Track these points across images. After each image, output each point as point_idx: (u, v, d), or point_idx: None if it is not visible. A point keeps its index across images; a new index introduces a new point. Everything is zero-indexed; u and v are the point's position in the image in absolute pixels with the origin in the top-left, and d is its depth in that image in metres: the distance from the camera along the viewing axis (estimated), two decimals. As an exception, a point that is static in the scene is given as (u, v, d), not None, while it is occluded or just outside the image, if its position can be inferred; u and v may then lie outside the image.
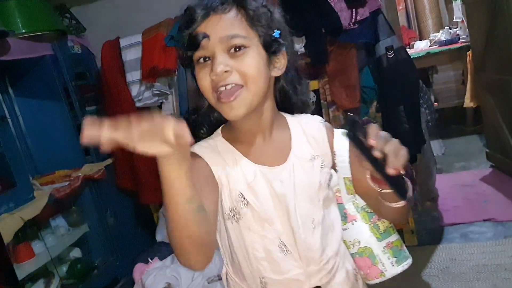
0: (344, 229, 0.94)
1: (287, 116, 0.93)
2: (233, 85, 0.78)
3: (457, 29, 4.55)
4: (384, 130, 2.22)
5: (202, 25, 0.79)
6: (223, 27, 0.78)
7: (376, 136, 0.69)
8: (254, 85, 0.79)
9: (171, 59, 2.44)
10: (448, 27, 4.74)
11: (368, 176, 0.77)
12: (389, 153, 0.68)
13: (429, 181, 2.82)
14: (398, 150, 0.69)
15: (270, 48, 0.82)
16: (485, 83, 3.14)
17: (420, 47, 4.53)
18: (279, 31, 0.83)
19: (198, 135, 0.90)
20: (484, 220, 2.52)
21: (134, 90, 2.62)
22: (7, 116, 2.50)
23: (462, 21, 4.32)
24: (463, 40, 4.16)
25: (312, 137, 0.90)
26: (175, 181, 0.62)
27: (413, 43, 4.82)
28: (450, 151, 3.85)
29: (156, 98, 2.61)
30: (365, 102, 2.36)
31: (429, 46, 4.50)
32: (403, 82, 2.23)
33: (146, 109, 2.77)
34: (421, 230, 2.57)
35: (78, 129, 2.73)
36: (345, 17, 2.19)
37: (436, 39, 4.59)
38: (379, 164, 0.69)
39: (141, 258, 2.33)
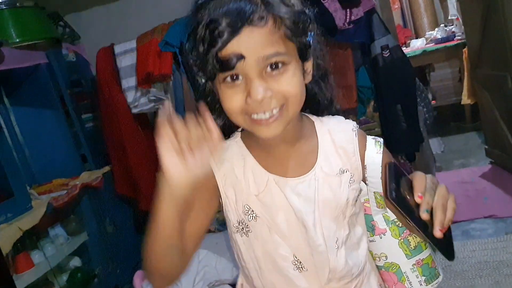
0: (370, 241, 0.86)
1: (316, 121, 0.83)
2: (272, 111, 0.68)
3: (452, 26, 4.55)
4: (382, 129, 2.18)
5: (234, 42, 0.64)
6: (261, 45, 0.65)
7: (424, 190, 0.60)
8: (295, 104, 0.70)
9: (166, 64, 2.43)
10: (443, 25, 4.74)
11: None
12: (437, 209, 0.61)
13: (429, 179, 2.81)
14: (446, 201, 0.62)
15: (306, 56, 0.72)
16: (482, 80, 3.13)
17: (416, 45, 4.53)
18: (312, 33, 0.72)
19: None
20: (485, 217, 2.51)
21: (130, 96, 2.61)
22: (3, 126, 2.50)
23: (457, 18, 4.33)
24: (458, 37, 4.16)
25: (341, 148, 0.80)
26: (167, 219, 0.64)
27: (409, 41, 4.82)
28: (449, 149, 3.84)
29: (152, 104, 2.60)
30: (362, 102, 2.35)
31: (425, 44, 4.49)
32: (399, 81, 2.22)
33: (142, 115, 2.77)
34: (422, 228, 2.56)
35: (74, 137, 2.72)
36: (340, 17, 2.19)
37: (432, 37, 4.59)
38: (423, 224, 0.61)
39: (141, 265, 2.31)
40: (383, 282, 0.88)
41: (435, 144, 3.69)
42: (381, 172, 0.78)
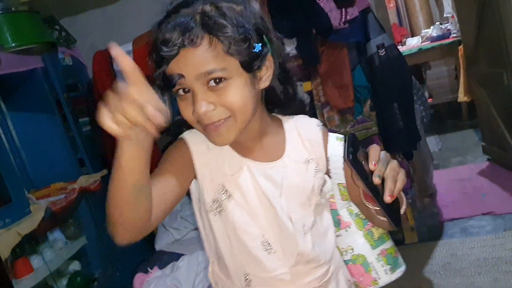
0: (337, 236, 0.92)
1: (283, 119, 0.90)
2: (220, 120, 0.74)
3: (448, 24, 4.56)
4: (379, 129, 2.20)
5: (174, 62, 0.71)
6: (198, 64, 0.71)
7: (377, 160, 0.67)
8: (242, 114, 0.75)
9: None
10: (439, 23, 4.75)
11: (361, 193, 0.75)
12: (388, 178, 0.67)
13: (427, 177, 2.82)
14: (397, 174, 0.68)
15: (253, 67, 0.74)
16: (478, 77, 3.14)
17: (412, 43, 4.54)
18: (259, 44, 0.74)
19: None
20: (483, 214, 2.52)
21: (127, 99, 2.61)
22: (0, 131, 2.49)
23: (453, 16, 4.34)
24: (454, 35, 4.17)
25: (307, 141, 0.87)
26: (131, 160, 0.61)
27: (404, 40, 4.82)
28: (446, 147, 3.86)
29: (150, 107, 2.60)
30: (359, 101, 2.35)
31: (421, 43, 4.50)
32: (395, 79, 2.22)
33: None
34: (421, 226, 2.57)
35: (72, 141, 2.72)
36: (335, 17, 2.19)
37: (428, 35, 4.60)
38: (375, 189, 0.67)
39: (140, 268, 2.31)
40: (351, 277, 0.92)
41: (432, 142, 3.70)
42: (343, 163, 0.83)
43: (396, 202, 0.69)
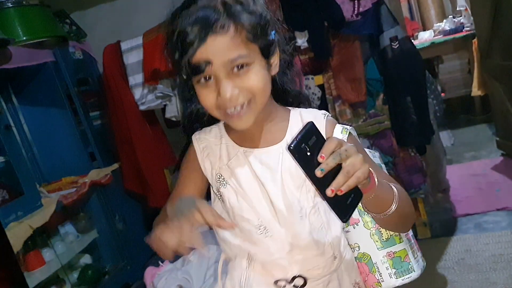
0: (346, 232, 0.91)
1: (292, 110, 0.91)
2: (242, 104, 0.78)
3: (461, 17, 4.49)
4: (392, 123, 2.16)
5: (202, 49, 0.73)
6: (225, 50, 0.74)
7: (329, 152, 0.64)
8: (261, 97, 0.79)
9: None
10: (451, 16, 4.68)
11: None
12: (341, 172, 0.64)
13: (440, 172, 2.78)
14: (355, 170, 0.65)
15: (269, 53, 0.80)
16: (492, 70, 3.09)
17: (424, 37, 4.48)
18: (274, 31, 0.81)
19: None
20: (498, 210, 2.47)
21: (137, 93, 2.61)
22: (12, 124, 2.50)
23: (466, 9, 4.27)
24: (467, 29, 4.11)
25: None
26: None
27: (416, 34, 4.77)
28: (459, 141, 3.81)
29: (160, 101, 2.60)
30: (371, 95, 2.32)
31: (433, 36, 4.44)
32: (409, 72, 2.19)
33: (150, 112, 2.76)
34: (434, 222, 2.54)
35: (82, 135, 2.72)
36: (347, 9, 2.16)
37: (440, 28, 4.54)
38: (320, 182, 0.64)
39: (151, 261, 2.31)
40: (360, 279, 0.90)
41: (445, 137, 3.65)
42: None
43: (345, 196, 0.66)
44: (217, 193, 0.88)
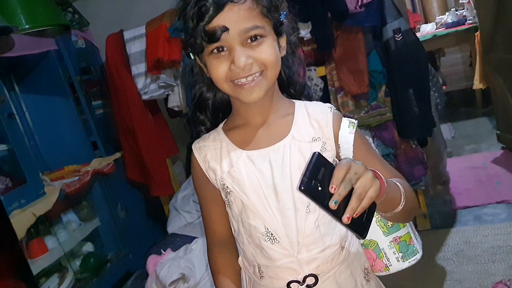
0: None
1: (296, 102, 0.91)
2: (254, 75, 0.79)
3: (463, 10, 4.47)
4: (394, 114, 2.16)
5: (219, 17, 0.75)
6: (242, 19, 0.76)
7: (340, 181, 0.63)
8: (273, 71, 0.80)
9: (176, 50, 2.42)
10: (454, 9, 4.66)
11: None
12: (353, 197, 0.64)
13: (440, 165, 2.79)
14: (366, 190, 0.64)
15: (279, 31, 0.83)
16: (494, 64, 3.09)
17: (426, 30, 4.47)
18: (285, 13, 0.83)
19: (199, 131, 0.94)
20: (498, 202, 2.49)
21: (140, 83, 2.61)
22: (14, 112, 2.50)
23: (469, 2, 4.25)
24: (470, 22, 4.09)
25: (315, 120, 0.86)
26: None
27: (418, 26, 4.75)
28: (460, 134, 3.81)
29: (162, 90, 2.60)
30: (373, 87, 2.32)
31: (435, 29, 4.43)
32: (412, 65, 2.19)
33: (152, 101, 2.77)
34: (434, 214, 2.56)
35: (85, 124, 2.73)
36: (351, 0, 2.15)
37: (443, 21, 4.52)
38: (335, 212, 0.64)
39: (153, 250, 2.33)
40: (368, 264, 0.92)
41: (445, 130, 3.66)
42: (353, 152, 0.85)
43: (362, 215, 0.65)
44: (225, 200, 0.89)
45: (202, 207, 0.95)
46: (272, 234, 0.82)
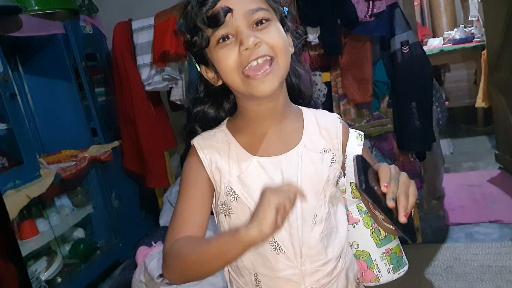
0: None
1: (303, 109, 0.89)
2: (265, 58, 0.74)
3: (472, 28, 4.49)
4: (395, 126, 2.16)
5: (222, 2, 0.73)
6: (246, 1, 0.74)
7: (389, 180, 0.64)
8: (283, 57, 0.76)
9: (182, 44, 2.41)
10: (463, 26, 4.67)
11: (370, 206, 0.76)
12: (401, 195, 0.64)
13: (437, 180, 2.79)
14: (408, 188, 0.66)
15: (284, 24, 0.80)
16: (499, 84, 3.09)
17: (433, 44, 4.48)
18: (287, 9, 0.82)
19: (202, 128, 0.88)
20: (490, 222, 2.49)
21: (144, 73, 2.61)
22: (16, 92, 2.50)
23: (478, 20, 4.26)
24: (477, 39, 4.10)
25: (325, 130, 0.85)
26: (237, 257, 0.65)
27: (426, 40, 4.76)
28: (459, 151, 3.82)
29: (166, 83, 2.60)
30: (377, 97, 2.32)
31: (443, 44, 4.44)
32: (417, 78, 2.20)
33: (155, 93, 2.77)
34: (426, 228, 2.56)
35: (86, 110, 2.73)
36: (362, 9, 2.16)
37: (450, 37, 4.53)
38: (391, 212, 0.65)
39: (144, 241, 2.33)
40: (359, 274, 0.91)
41: (444, 145, 3.66)
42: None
43: (410, 218, 0.67)
44: (223, 207, 0.81)
45: (181, 206, 0.80)
46: (278, 244, 0.79)
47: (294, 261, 0.80)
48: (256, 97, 0.77)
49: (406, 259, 0.92)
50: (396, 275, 0.90)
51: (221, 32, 0.74)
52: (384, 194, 0.67)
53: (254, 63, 0.73)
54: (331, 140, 0.84)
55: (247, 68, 0.74)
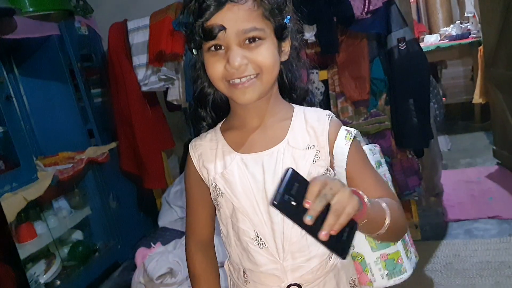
0: None
1: (296, 107, 0.89)
2: (248, 77, 0.77)
3: (468, 24, 4.49)
4: (392, 123, 2.15)
5: (218, 15, 0.74)
6: (241, 20, 0.74)
7: (315, 196, 0.62)
8: (268, 75, 0.78)
9: (178, 43, 2.41)
10: (459, 22, 4.67)
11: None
12: (330, 213, 0.61)
13: (435, 176, 2.80)
14: (343, 207, 0.62)
15: (282, 35, 0.80)
16: (496, 79, 3.10)
17: (430, 41, 4.48)
18: (289, 17, 0.81)
19: (200, 127, 0.93)
20: (489, 217, 2.50)
21: (140, 74, 2.60)
22: (12, 95, 2.48)
23: (474, 15, 4.26)
24: (474, 36, 4.11)
25: (312, 128, 0.84)
26: None
27: (422, 37, 4.76)
28: (456, 147, 3.82)
29: (162, 83, 2.59)
30: (374, 94, 2.32)
31: (439, 41, 4.44)
32: (414, 75, 2.19)
33: (151, 93, 2.76)
34: (425, 225, 2.56)
35: (82, 111, 2.71)
36: (358, 6, 2.15)
37: (447, 33, 4.53)
38: (310, 227, 0.62)
39: (143, 242, 2.32)
40: (356, 277, 0.90)
41: (442, 142, 3.67)
42: (346, 164, 0.83)
43: (340, 232, 0.63)
44: (215, 202, 0.87)
45: (188, 206, 0.93)
46: (261, 238, 0.82)
47: (276, 256, 0.82)
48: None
49: (408, 266, 0.89)
50: (391, 282, 0.88)
51: (212, 42, 0.77)
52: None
53: (237, 80, 0.77)
54: (317, 138, 0.84)
55: (231, 81, 0.78)
